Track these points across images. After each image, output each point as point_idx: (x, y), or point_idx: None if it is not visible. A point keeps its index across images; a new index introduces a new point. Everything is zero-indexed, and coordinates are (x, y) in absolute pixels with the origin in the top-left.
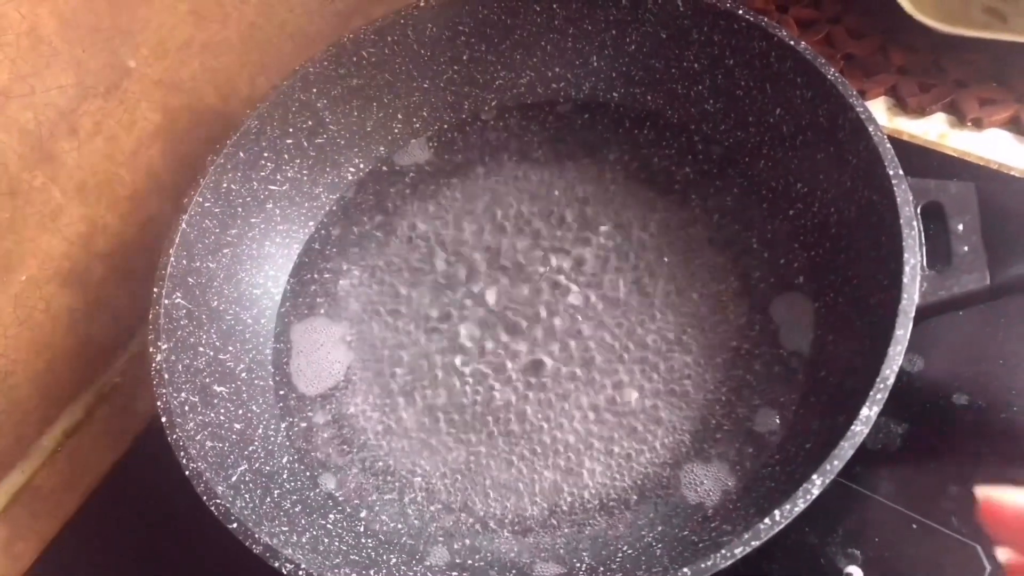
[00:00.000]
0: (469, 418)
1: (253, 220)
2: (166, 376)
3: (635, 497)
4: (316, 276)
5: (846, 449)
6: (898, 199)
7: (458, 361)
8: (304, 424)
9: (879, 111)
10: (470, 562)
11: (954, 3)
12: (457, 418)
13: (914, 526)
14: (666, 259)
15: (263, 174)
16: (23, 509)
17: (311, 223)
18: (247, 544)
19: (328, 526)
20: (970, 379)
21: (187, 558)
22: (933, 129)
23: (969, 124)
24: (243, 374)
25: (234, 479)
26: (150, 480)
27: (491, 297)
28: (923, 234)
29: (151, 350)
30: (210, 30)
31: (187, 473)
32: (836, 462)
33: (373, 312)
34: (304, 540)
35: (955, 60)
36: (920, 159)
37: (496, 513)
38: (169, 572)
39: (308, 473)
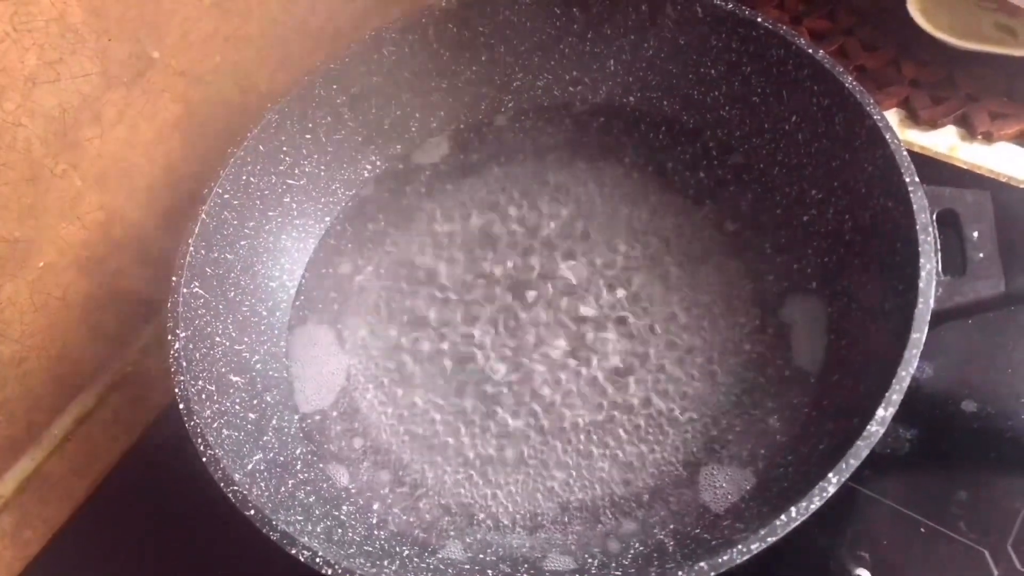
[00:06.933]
0: (481, 416)
1: (271, 213)
2: (184, 364)
3: (647, 496)
4: (330, 271)
5: (862, 448)
6: (914, 205)
7: (472, 358)
8: (317, 417)
9: (890, 123)
10: (482, 556)
11: (966, 18)
12: (469, 415)
13: (922, 530)
14: (679, 263)
15: (282, 168)
16: (32, 496)
17: (327, 218)
18: (264, 531)
19: (342, 517)
20: (979, 387)
21: (194, 548)
22: (943, 141)
23: (979, 137)
24: (258, 365)
25: (250, 467)
26: (159, 470)
27: (503, 297)
28: (938, 241)
29: (169, 338)
30: (233, 24)
31: (204, 460)
32: (852, 460)
33: (386, 308)
34: (319, 530)
35: (967, 74)
36: (931, 170)
37: (508, 510)
38: (176, 561)
39: (321, 465)
